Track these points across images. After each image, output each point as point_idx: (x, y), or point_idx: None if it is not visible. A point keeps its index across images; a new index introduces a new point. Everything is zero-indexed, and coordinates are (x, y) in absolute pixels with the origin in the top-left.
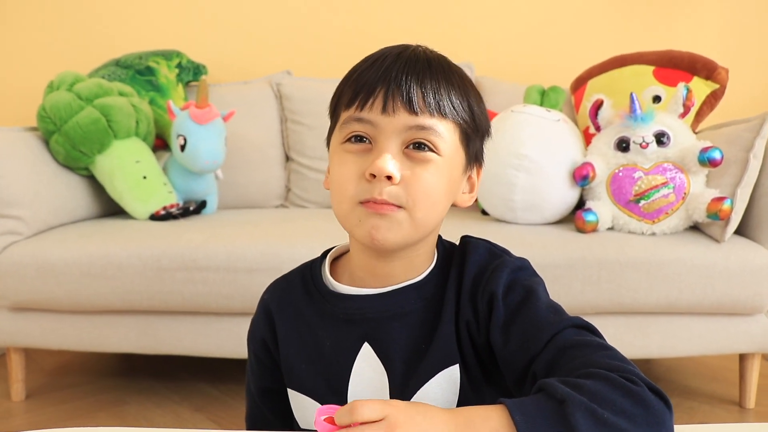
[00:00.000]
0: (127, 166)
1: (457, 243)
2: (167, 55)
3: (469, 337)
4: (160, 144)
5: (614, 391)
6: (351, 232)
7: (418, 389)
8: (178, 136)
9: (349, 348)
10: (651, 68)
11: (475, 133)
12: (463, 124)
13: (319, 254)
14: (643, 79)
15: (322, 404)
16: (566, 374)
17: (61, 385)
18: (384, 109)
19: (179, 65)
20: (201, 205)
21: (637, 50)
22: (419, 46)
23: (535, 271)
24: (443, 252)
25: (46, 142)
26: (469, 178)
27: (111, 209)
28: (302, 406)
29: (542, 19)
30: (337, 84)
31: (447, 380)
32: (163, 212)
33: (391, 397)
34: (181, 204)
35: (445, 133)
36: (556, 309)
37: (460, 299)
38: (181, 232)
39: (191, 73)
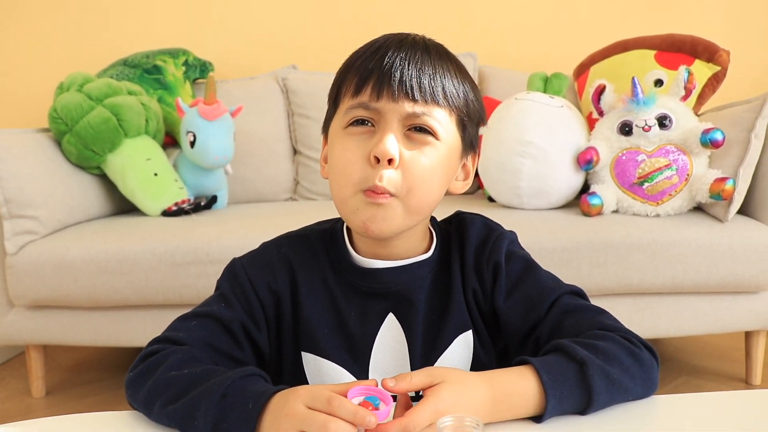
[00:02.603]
0: (138, 163)
1: (449, 220)
2: (174, 54)
3: (476, 304)
4: (170, 141)
5: (620, 351)
6: (347, 219)
7: (439, 356)
8: (188, 132)
9: (375, 319)
10: (653, 52)
11: (470, 120)
12: (459, 111)
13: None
14: (645, 64)
15: (344, 368)
16: (574, 335)
17: (80, 381)
18: (387, 96)
19: (186, 63)
20: (212, 200)
21: (639, 35)
22: (417, 34)
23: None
24: (439, 231)
25: (59, 143)
26: (464, 165)
27: (124, 207)
28: (320, 370)
29: (544, 6)
30: None
31: (462, 346)
32: (174, 208)
33: (411, 365)
34: (192, 199)
35: (442, 118)
36: (553, 276)
37: (465, 270)
38: (193, 227)
39: (198, 70)
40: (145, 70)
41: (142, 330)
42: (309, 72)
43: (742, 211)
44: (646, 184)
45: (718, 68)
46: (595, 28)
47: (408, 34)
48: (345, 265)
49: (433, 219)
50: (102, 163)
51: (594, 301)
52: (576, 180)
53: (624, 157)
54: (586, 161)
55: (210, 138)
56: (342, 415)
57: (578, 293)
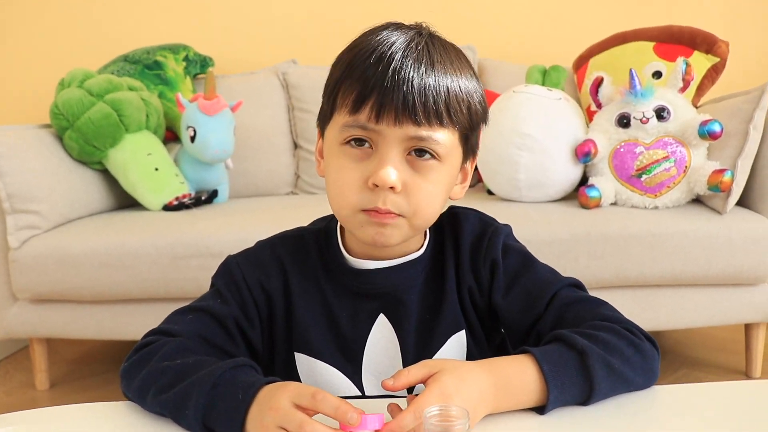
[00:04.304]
0: (140, 158)
1: (443, 214)
2: (174, 49)
3: (472, 302)
4: (171, 136)
5: (621, 341)
6: (352, 231)
7: (432, 356)
8: (188, 127)
9: (366, 320)
10: (652, 44)
11: (472, 130)
12: (462, 127)
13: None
14: (644, 56)
15: (337, 369)
16: (575, 327)
17: (84, 374)
18: (388, 118)
19: (186, 58)
20: (212, 195)
21: (638, 26)
22: (421, 31)
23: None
24: (433, 226)
25: (60, 139)
26: (462, 168)
27: (125, 201)
28: (313, 370)
29: None
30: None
31: (455, 346)
32: (175, 202)
33: (404, 365)
34: (193, 194)
35: (445, 139)
36: (551, 269)
37: (460, 268)
38: (194, 221)
39: (198, 65)
40: (146, 66)
41: (143, 323)
42: (309, 66)
43: (740, 203)
44: (645, 176)
45: (717, 59)
46: (594, 21)
47: (412, 36)
48: (337, 265)
49: None
50: (103, 158)
51: (593, 294)
52: (574, 172)
53: (622, 149)
54: (584, 153)
55: (210, 133)
56: (325, 408)
57: (577, 285)
